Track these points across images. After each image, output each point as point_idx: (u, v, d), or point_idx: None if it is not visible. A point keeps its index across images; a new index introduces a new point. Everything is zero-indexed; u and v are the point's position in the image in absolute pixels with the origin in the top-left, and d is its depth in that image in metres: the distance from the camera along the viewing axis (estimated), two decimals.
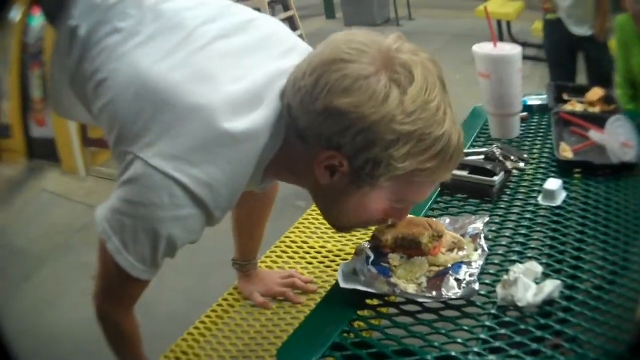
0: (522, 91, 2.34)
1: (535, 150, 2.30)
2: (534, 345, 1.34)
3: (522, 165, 2.12)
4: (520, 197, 1.98)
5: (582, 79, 5.09)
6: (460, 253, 1.64)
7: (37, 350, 3.94)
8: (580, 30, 4.78)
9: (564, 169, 2.10)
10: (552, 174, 2.07)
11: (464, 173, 2.01)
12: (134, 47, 1.57)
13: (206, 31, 1.60)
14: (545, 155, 2.25)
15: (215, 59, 1.54)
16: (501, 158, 2.08)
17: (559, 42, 5.01)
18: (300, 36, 8.14)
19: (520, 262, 1.58)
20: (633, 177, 2.03)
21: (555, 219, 1.82)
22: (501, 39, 7.30)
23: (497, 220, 1.85)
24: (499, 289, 1.47)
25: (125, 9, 1.66)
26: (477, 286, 1.50)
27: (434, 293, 1.51)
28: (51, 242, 5.72)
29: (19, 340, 4.00)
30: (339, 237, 2.52)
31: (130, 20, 1.63)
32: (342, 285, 1.59)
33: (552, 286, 1.44)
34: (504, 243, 1.72)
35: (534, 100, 2.61)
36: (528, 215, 1.85)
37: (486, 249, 1.65)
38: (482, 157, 2.10)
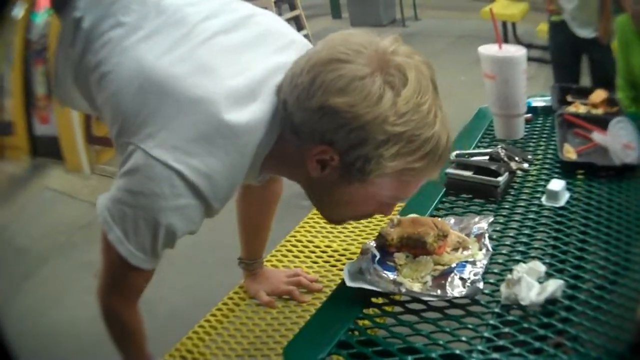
0: (527, 92, 2.37)
1: (539, 151, 2.32)
2: (537, 344, 1.36)
3: (526, 165, 2.15)
4: (524, 198, 2.01)
5: (586, 80, 5.12)
6: (465, 252, 1.67)
7: (39, 349, 3.94)
8: (584, 32, 4.82)
9: (567, 170, 2.12)
10: (556, 175, 2.10)
11: (469, 173, 2.05)
12: (137, 41, 1.61)
13: (207, 27, 1.64)
14: (549, 156, 2.27)
15: (215, 54, 1.58)
16: (505, 159, 2.11)
17: (563, 44, 5.05)
18: (306, 36, 8.18)
19: (524, 262, 1.60)
20: (635, 179, 2.06)
21: (559, 219, 1.85)
22: (506, 41, 7.32)
23: (501, 220, 1.88)
24: (502, 287, 1.50)
25: (129, 4, 1.70)
26: (481, 285, 1.53)
27: (439, 292, 1.53)
28: (54, 241, 5.72)
29: (20, 339, 4.02)
30: (344, 236, 2.57)
31: (133, 15, 1.67)
32: (348, 283, 1.62)
33: (554, 285, 1.47)
34: (507, 242, 1.75)
35: (538, 102, 2.64)
36: (532, 216, 1.88)
37: (490, 248, 1.68)
38: (487, 157, 2.13)
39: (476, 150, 2.25)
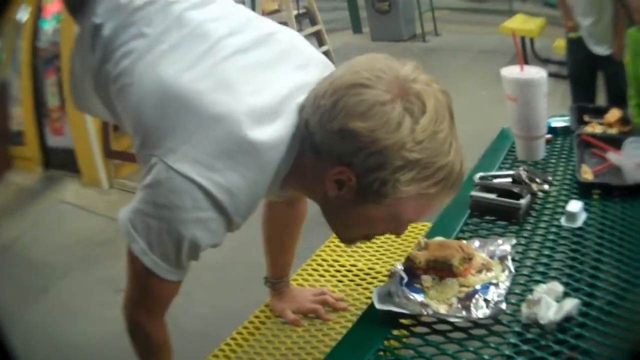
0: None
1: (558, 172, 2.41)
2: (552, 359, 1.46)
3: (546, 187, 2.25)
4: (545, 219, 2.10)
5: (602, 97, 5.23)
6: (489, 274, 1.77)
7: None
8: (600, 49, 4.94)
9: (584, 191, 2.21)
10: (574, 196, 2.19)
11: (493, 196, 2.15)
12: (159, 55, 1.68)
13: (229, 43, 1.70)
14: (568, 176, 2.36)
15: (236, 71, 1.65)
16: (527, 180, 2.21)
17: (580, 60, 5.17)
18: (327, 51, 8.26)
19: (544, 282, 1.70)
20: None
21: (576, 239, 1.94)
22: (525, 55, 7.42)
23: (522, 242, 1.96)
24: (523, 307, 1.60)
25: (151, 15, 1.77)
26: (504, 306, 1.63)
27: (464, 313, 1.64)
28: (72, 255, 5.75)
29: (31, 351, 4.12)
30: (369, 255, 2.65)
31: (155, 27, 1.75)
32: (378, 306, 1.71)
33: (570, 304, 1.57)
34: (528, 264, 1.85)
35: (558, 122, 2.74)
36: (551, 237, 1.98)
37: (512, 270, 1.78)
38: (510, 179, 2.23)
39: (499, 172, 2.34)
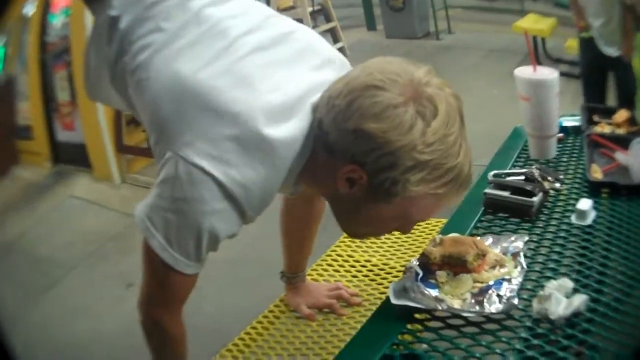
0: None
1: (569, 171, 2.49)
2: (561, 354, 1.52)
3: (557, 185, 2.33)
4: (556, 217, 2.16)
5: (614, 98, 5.30)
6: (502, 270, 1.83)
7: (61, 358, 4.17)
8: (610, 50, 5.01)
9: (593, 189, 2.28)
10: (584, 194, 2.26)
11: (506, 193, 2.23)
12: (177, 51, 1.72)
13: (247, 41, 1.74)
14: (578, 175, 2.44)
15: (254, 69, 1.69)
16: (539, 179, 2.29)
17: (591, 59, 5.24)
18: (342, 48, 8.35)
19: (554, 279, 1.76)
20: None
21: (585, 237, 2.01)
22: (536, 55, 7.52)
23: (534, 239, 2.03)
24: (534, 303, 1.66)
25: (170, 9, 1.81)
26: (516, 301, 1.70)
27: (477, 308, 1.70)
28: (82, 250, 5.76)
29: (38, 347, 4.16)
30: (383, 251, 2.73)
31: (173, 22, 1.78)
32: (393, 301, 1.78)
33: (579, 300, 1.64)
34: (540, 260, 1.91)
35: (569, 122, 2.81)
36: (562, 234, 2.05)
37: (525, 266, 1.84)
38: (523, 177, 2.31)
39: (512, 170, 2.42)
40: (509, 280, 1.80)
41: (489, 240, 2.00)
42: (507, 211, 2.23)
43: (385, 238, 2.83)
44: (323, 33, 8.78)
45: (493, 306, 1.72)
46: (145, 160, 6.91)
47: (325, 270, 2.71)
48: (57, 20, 7.90)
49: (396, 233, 2.69)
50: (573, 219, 2.12)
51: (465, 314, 1.72)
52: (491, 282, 1.79)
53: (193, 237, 1.63)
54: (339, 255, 2.79)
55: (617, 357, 1.53)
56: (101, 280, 5.28)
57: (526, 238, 2.00)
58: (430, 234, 2.78)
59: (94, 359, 4.32)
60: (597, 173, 2.37)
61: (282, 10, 8.75)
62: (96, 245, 5.84)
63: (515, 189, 2.24)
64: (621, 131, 2.65)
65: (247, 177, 1.59)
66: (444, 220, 2.45)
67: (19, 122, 8.44)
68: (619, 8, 4.82)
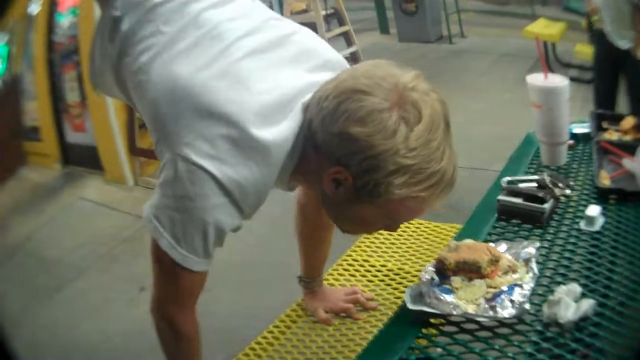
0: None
1: (579, 177, 2.59)
2: (569, 356, 1.62)
3: (568, 192, 2.44)
4: (566, 223, 2.27)
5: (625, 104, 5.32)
6: (514, 275, 1.94)
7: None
8: (621, 42, 5.04)
9: (601, 196, 2.39)
10: (593, 201, 2.37)
11: (519, 200, 2.34)
12: (176, 54, 1.80)
13: (244, 44, 1.83)
14: (587, 182, 2.53)
15: (250, 71, 1.77)
16: (550, 185, 2.39)
17: (604, 52, 5.30)
18: (355, 52, 8.39)
19: (564, 284, 1.86)
20: None
21: (594, 242, 2.12)
22: (547, 59, 7.56)
23: (545, 245, 2.14)
24: (545, 307, 1.77)
25: (170, 13, 1.89)
26: (527, 306, 1.81)
27: (491, 313, 1.80)
28: (93, 252, 5.82)
29: (46, 349, 4.20)
30: (399, 256, 2.83)
31: (173, 25, 1.86)
32: (410, 306, 1.89)
33: (587, 305, 1.74)
34: (551, 266, 2.03)
35: (579, 128, 2.91)
36: (572, 240, 2.15)
37: (536, 271, 1.95)
38: (535, 184, 2.42)
39: (525, 177, 2.52)
40: (521, 286, 1.90)
41: (502, 246, 2.11)
42: (520, 218, 2.33)
43: (400, 243, 2.93)
44: (336, 37, 8.92)
45: (506, 311, 1.81)
46: (159, 162, 6.84)
47: (341, 274, 2.79)
48: (64, 20, 7.89)
49: (411, 238, 2.88)
50: (582, 225, 2.22)
51: (479, 319, 1.82)
52: (504, 288, 1.89)
53: (199, 233, 1.72)
54: (354, 260, 2.87)
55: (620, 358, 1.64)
56: (113, 282, 5.33)
57: (538, 244, 2.10)
58: (444, 239, 2.89)
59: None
60: (605, 180, 2.46)
61: (295, 13, 8.87)
62: (107, 248, 5.89)
63: (528, 196, 2.34)
64: (628, 138, 2.74)
65: (241, 175, 1.69)
66: (458, 226, 2.58)
67: (26, 123, 8.43)
68: (629, 4, 4.89)
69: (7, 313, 4.32)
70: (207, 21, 1.88)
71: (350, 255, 2.92)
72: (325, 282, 2.68)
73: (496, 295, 1.87)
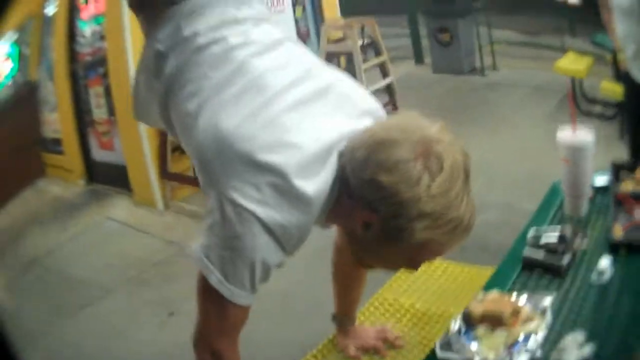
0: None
1: (597, 228, 2.85)
2: None
3: (585, 244, 2.71)
4: (581, 274, 2.55)
5: None
6: (532, 325, 2.24)
7: None
8: None
9: (613, 248, 2.61)
10: (606, 252, 2.60)
11: (541, 254, 2.65)
12: (223, 102, 1.97)
13: (288, 96, 2.00)
14: (603, 233, 2.78)
15: (292, 123, 1.95)
16: (570, 237, 2.69)
17: (629, 89, 5.22)
18: (391, 84, 8.70)
19: (572, 331, 2.18)
20: None
21: (601, 293, 2.40)
22: (574, 95, 7.91)
23: (560, 295, 2.44)
24: (554, 354, 2.10)
25: (216, 58, 2.07)
26: (539, 353, 2.13)
27: (508, 359, 2.13)
28: (121, 274, 6.09)
29: None
30: (427, 297, 3.08)
31: (221, 71, 2.04)
32: (439, 355, 2.24)
33: (588, 349, 2.06)
34: (563, 314, 2.33)
35: (600, 179, 3.15)
36: (582, 292, 2.44)
37: (550, 321, 2.27)
38: (557, 235, 2.70)
39: (549, 229, 2.80)
40: (536, 334, 2.21)
41: (524, 296, 2.41)
42: (542, 269, 2.63)
43: (430, 283, 3.21)
44: (372, 68, 9.15)
45: (520, 358, 2.13)
46: (190, 188, 7.10)
47: (372, 313, 3.04)
48: (87, 27, 8.04)
49: (440, 279, 3.17)
50: (593, 276, 2.49)
51: None
52: (522, 336, 2.21)
53: (247, 270, 1.91)
54: (385, 298, 3.12)
55: None
56: (141, 305, 5.50)
57: (554, 294, 2.42)
58: (471, 281, 3.16)
59: None
60: (618, 232, 2.68)
61: (333, 42, 9.11)
62: (137, 271, 6.04)
63: (549, 250, 2.65)
64: None
65: (285, 219, 1.88)
66: (484, 269, 2.98)
67: (46, 134, 8.60)
68: None
69: (22, 326, 4.59)
70: (253, 70, 2.05)
71: (381, 294, 3.16)
72: (357, 320, 2.91)
73: (515, 344, 2.18)
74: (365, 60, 9.12)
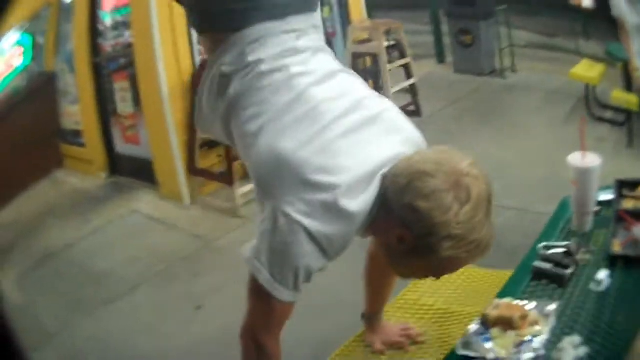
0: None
1: (599, 242, 3.17)
2: None
3: (588, 257, 3.06)
4: (581, 284, 2.90)
5: None
6: (537, 328, 2.62)
7: None
8: None
9: (611, 261, 2.95)
10: (605, 264, 2.94)
11: (549, 266, 3.03)
12: (282, 128, 2.20)
13: (341, 124, 2.24)
14: (604, 247, 3.10)
15: (343, 149, 2.20)
16: (575, 251, 3.07)
17: None
18: (414, 85, 9.20)
19: (569, 334, 2.53)
20: None
21: (599, 302, 2.74)
22: (586, 102, 8.43)
23: (563, 302, 2.79)
24: (554, 353, 2.47)
25: (278, 85, 2.30)
26: (542, 352, 2.50)
27: (517, 356, 2.51)
28: (148, 268, 6.31)
29: (100, 358, 4.93)
30: (447, 297, 3.44)
31: (282, 97, 2.26)
32: (459, 352, 2.62)
33: (583, 351, 2.42)
34: (564, 319, 2.68)
35: (604, 195, 3.43)
36: (582, 299, 2.79)
37: (553, 324, 2.63)
38: (564, 249, 3.11)
39: (557, 243, 3.18)
40: (540, 336, 2.59)
41: (532, 304, 2.79)
42: (549, 279, 3.01)
43: (450, 284, 3.56)
44: (397, 69, 9.60)
45: (526, 355, 2.53)
46: (216, 184, 7.37)
47: (397, 311, 3.36)
48: (108, 19, 8.21)
49: (459, 280, 3.55)
50: (592, 286, 2.84)
51: None
52: (528, 337, 2.60)
53: (292, 272, 2.18)
54: (409, 298, 3.43)
55: None
56: (168, 300, 5.73)
57: (558, 302, 2.79)
58: (486, 283, 3.50)
59: None
60: (617, 246, 3.01)
61: (359, 42, 9.49)
62: (164, 265, 6.27)
63: (556, 262, 3.03)
64: None
65: (330, 230, 2.16)
66: (498, 273, 3.37)
67: (65, 125, 8.77)
68: None
69: (36, 322, 4.97)
70: (311, 98, 2.28)
71: (405, 295, 3.48)
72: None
73: (522, 343, 2.58)
74: (389, 62, 9.50)
